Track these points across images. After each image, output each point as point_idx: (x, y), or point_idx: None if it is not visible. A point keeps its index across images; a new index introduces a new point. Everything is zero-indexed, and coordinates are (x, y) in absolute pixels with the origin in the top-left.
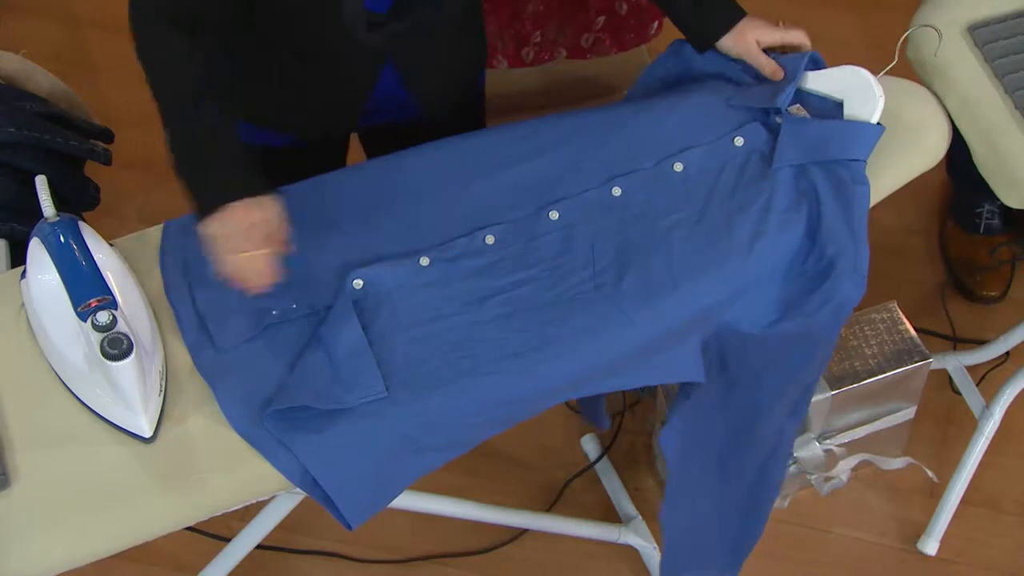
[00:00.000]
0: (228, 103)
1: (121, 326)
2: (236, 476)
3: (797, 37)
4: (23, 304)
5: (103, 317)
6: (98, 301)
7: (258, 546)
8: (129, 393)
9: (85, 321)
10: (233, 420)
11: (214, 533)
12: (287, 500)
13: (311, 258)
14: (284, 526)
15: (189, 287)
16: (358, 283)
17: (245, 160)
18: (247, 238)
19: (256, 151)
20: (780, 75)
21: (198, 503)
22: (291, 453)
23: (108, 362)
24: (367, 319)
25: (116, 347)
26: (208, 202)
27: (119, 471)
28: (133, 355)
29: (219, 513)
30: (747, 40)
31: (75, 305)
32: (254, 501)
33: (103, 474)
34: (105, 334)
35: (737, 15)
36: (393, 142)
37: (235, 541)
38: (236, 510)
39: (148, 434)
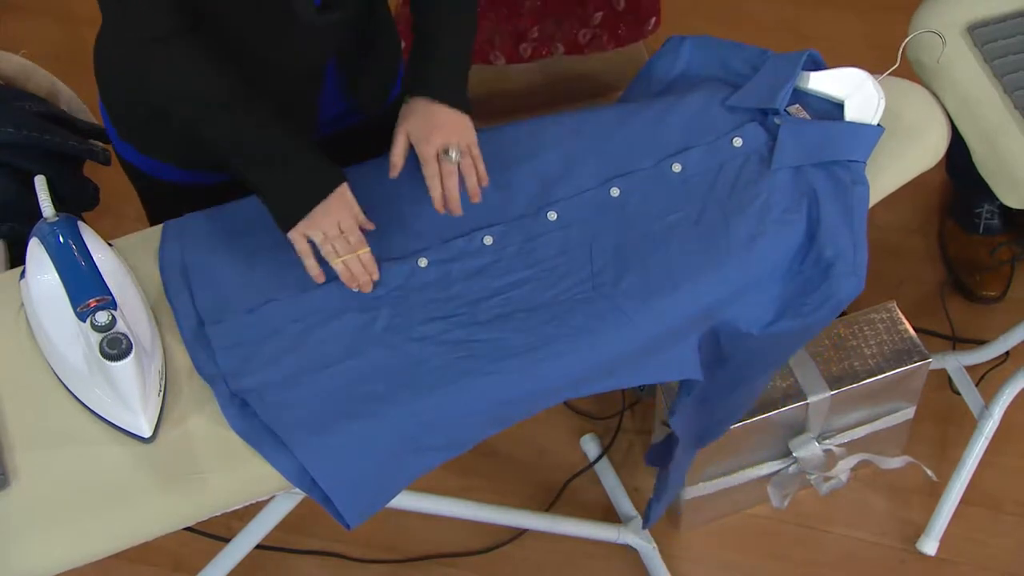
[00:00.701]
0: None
1: (120, 326)
2: (235, 476)
3: (431, 171)
4: (22, 304)
5: (102, 317)
6: (97, 301)
7: (257, 546)
8: (128, 393)
9: (84, 321)
10: (232, 420)
11: (214, 533)
12: (287, 500)
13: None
14: (284, 526)
15: (188, 287)
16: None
17: (310, 154)
18: (343, 239)
19: (193, 192)
20: (393, 173)
21: (198, 503)
22: (290, 453)
23: (107, 362)
24: (366, 320)
25: (115, 347)
26: (290, 211)
27: (119, 471)
28: (132, 355)
29: (219, 513)
30: (403, 123)
31: (74, 305)
32: (254, 501)
33: (103, 474)
34: (104, 334)
35: (415, 90)
36: (339, 154)
37: (235, 541)
38: (236, 510)
39: (147, 434)
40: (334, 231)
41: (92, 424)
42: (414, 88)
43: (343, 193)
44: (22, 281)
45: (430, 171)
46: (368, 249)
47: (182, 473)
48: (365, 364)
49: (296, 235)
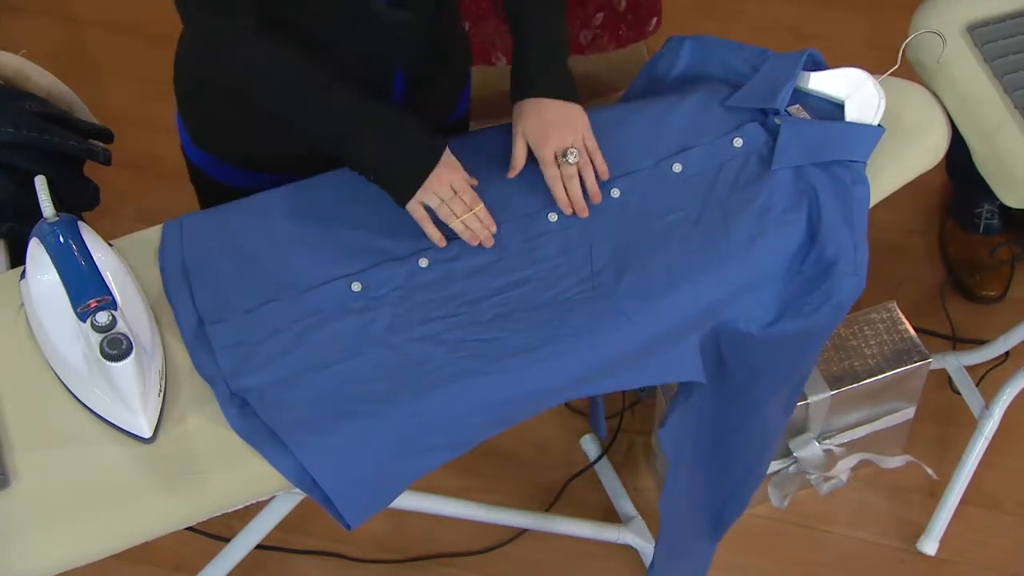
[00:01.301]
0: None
1: (121, 326)
2: (236, 476)
3: (551, 174)
4: (23, 304)
5: (103, 317)
6: (97, 301)
7: (257, 546)
8: (129, 393)
9: (84, 321)
10: (232, 420)
11: (214, 533)
12: (287, 500)
13: (310, 261)
14: (284, 526)
15: (188, 287)
16: (356, 285)
17: (412, 121)
18: (458, 200)
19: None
20: (512, 175)
21: (198, 503)
22: (290, 453)
23: (108, 362)
24: (366, 320)
25: (116, 347)
26: (407, 179)
27: (119, 471)
28: (133, 355)
29: (219, 513)
30: (518, 124)
31: (74, 305)
32: (254, 501)
33: (103, 474)
34: (105, 334)
35: (521, 93)
36: None
37: (235, 541)
38: (236, 510)
39: (148, 434)
40: (448, 193)
41: (92, 424)
42: (520, 91)
43: (448, 156)
44: (22, 281)
45: (550, 174)
46: (482, 204)
47: (182, 473)
48: (365, 364)
49: (414, 204)
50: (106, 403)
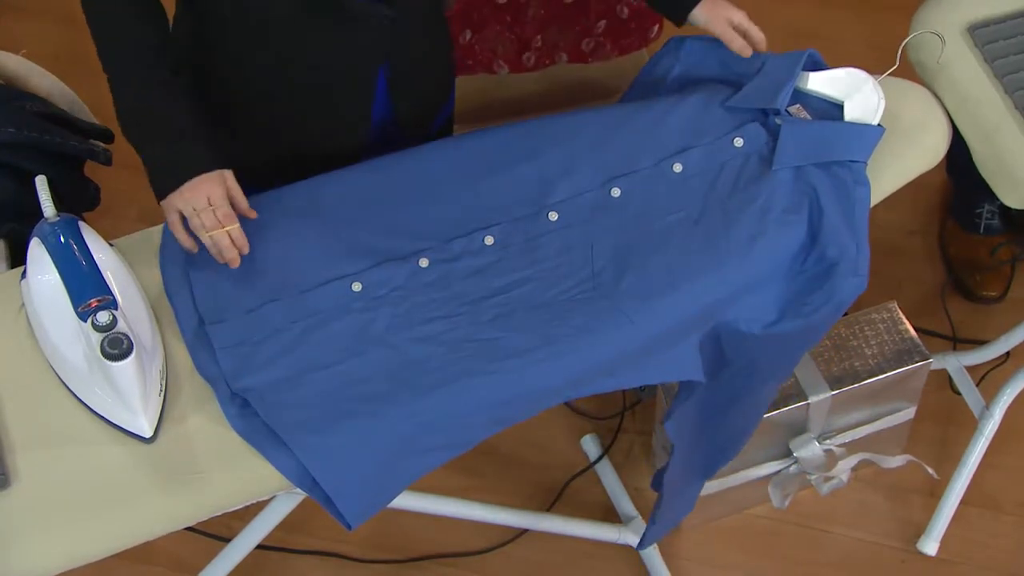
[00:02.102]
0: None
1: (121, 326)
2: (236, 476)
3: (759, 35)
4: (23, 304)
5: (103, 317)
6: (98, 301)
7: (258, 546)
8: (129, 393)
9: (85, 321)
10: (233, 420)
11: (214, 533)
12: (287, 500)
13: (310, 261)
14: (284, 526)
15: (189, 287)
16: (357, 286)
17: (198, 134)
18: (210, 213)
19: None
20: (748, 52)
21: (198, 503)
22: (291, 453)
23: (108, 362)
24: (366, 320)
25: (116, 347)
26: (165, 180)
27: (119, 471)
28: (133, 355)
29: (219, 513)
30: (718, 13)
31: (75, 305)
32: (254, 501)
33: (103, 474)
34: (105, 334)
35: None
36: None
37: (235, 541)
38: (236, 510)
39: (148, 434)
40: (203, 205)
41: (92, 424)
42: (682, 12)
43: (221, 175)
44: (23, 281)
45: (728, 36)
46: (237, 225)
47: (182, 473)
48: (366, 364)
49: (167, 206)
50: (106, 403)
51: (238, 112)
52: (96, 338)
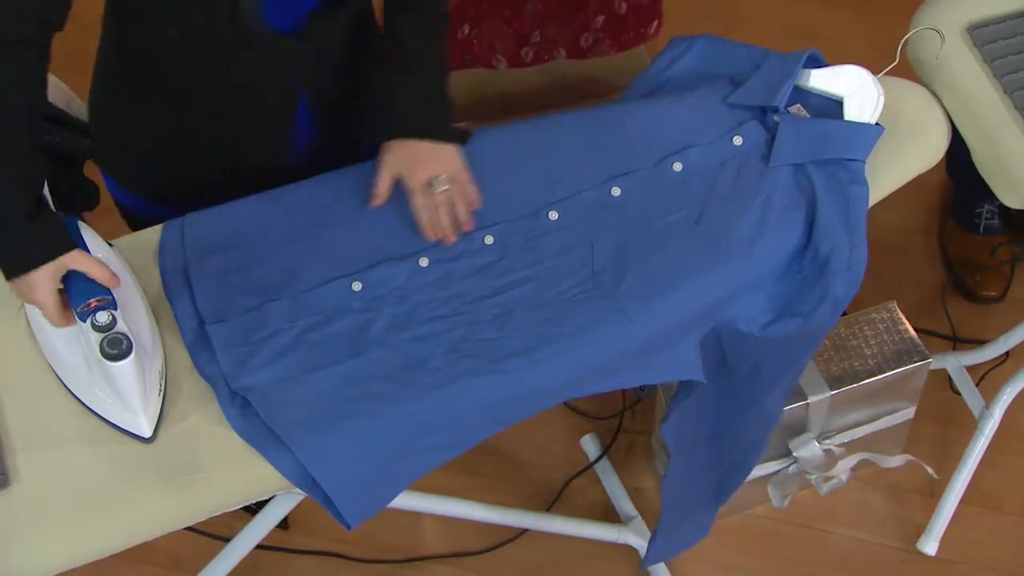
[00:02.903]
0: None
1: (121, 326)
2: (235, 476)
3: (419, 203)
4: (23, 304)
5: (102, 317)
6: (97, 301)
7: (257, 546)
8: (129, 393)
9: (84, 321)
10: (233, 420)
11: (214, 533)
12: (286, 500)
13: (310, 261)
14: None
15: (189, 287)
16: (357, 285)
17: (42, 215)
18: (54, 313)
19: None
20: (377, 203)
21: (198, 503)
22: (290, 453)
23: (108, 362)
24: (366, 320)
25: (116, 347)
26: (9, 270)
27: (119, 471)
28: (133, 355)
29: (219, 513)
30: (388, 158)
31: (74, 305)
32: (254, 501)
33: (103, 474)
34: (105, 334)
35: (385, 134)
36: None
37: (234, 541)
38: (236, 510)
39: (148, 434)
40: (48, 304)
41: (92, 424)
42: (391, 129)
43: (53, 268)
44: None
45: (417, 203)
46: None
47: (182, 473)
48: (366, 364)
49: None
50: (106, 403)
51: (163, 126)
52: (96, 338)
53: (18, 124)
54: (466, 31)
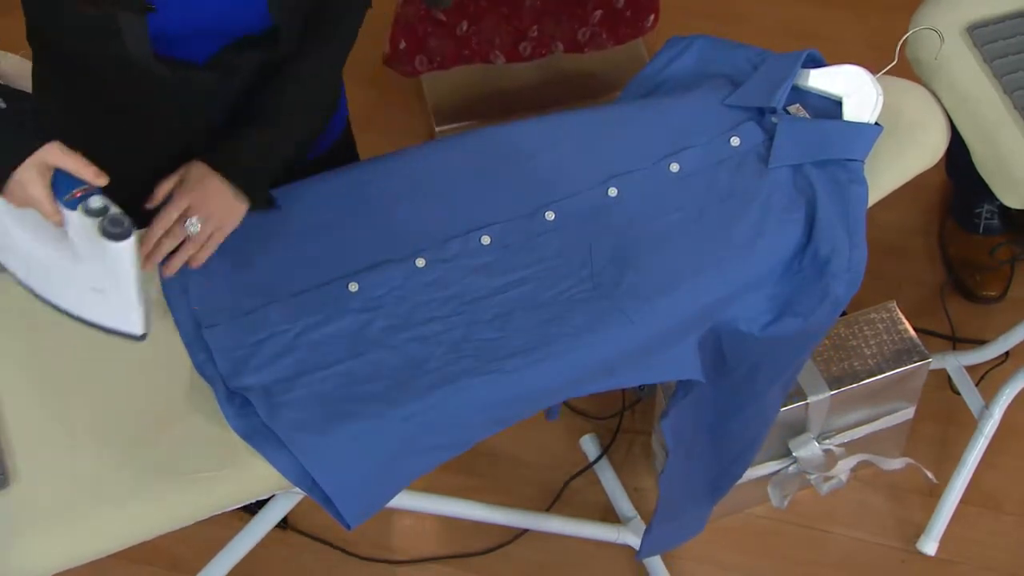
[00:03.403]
0: None
1: (116, 209)
2: (235, 476)
3: (158, 226)
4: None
5: (95, 202)
6: (83, 191)
7: (257, 545)
8: (127, 278)
9: (74, 209)
10: (232, 420)
11: (214, 533)
12: (286, 500)
13: (307, 263)
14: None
15: (186, 290)
16: (354, 287)
17: (9, 120)
18: (50, 207)
19: None
20: (154, 202)
21: (197, 503)
22: (290, 453)
23: (111, 242)
24: (364, 321)
25: (118, 226)
26: None
27: (118, 471)
28: (135, 233)
29: (218, 513)
30: (187, 171)
31: (60, 196)
32: (254, 501)
33: (102, 474)
34: (102, 217)
35: (217, 159)
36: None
37: (234, 541)
38: (235, 510)
39: (140, 331)
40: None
41: (92, 424)
42: (217, 158)
43: (36, 163)
44: None
45: (161, 223)
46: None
47: (182, 473)
48: (364, 364)
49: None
50: (95, 305)
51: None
52: (92, 222)
53: None
54: (464, 27)
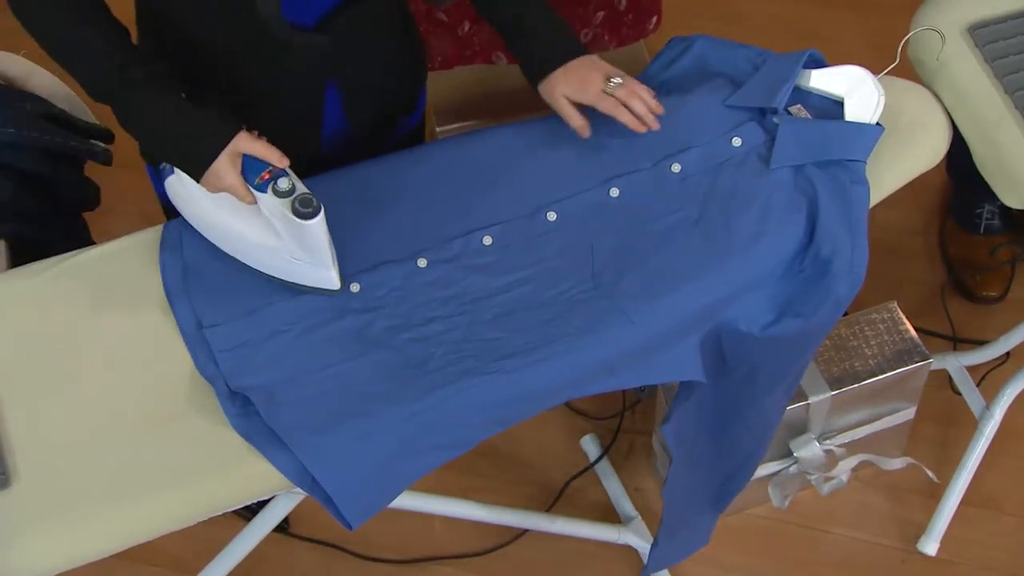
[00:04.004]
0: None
1: (302, 187)
2: (236, 476)
3: (609, 105)
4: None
5: (284, 183)
6: (269, 173)
7: (257, 545)
8: (320, 249)
9: (265, 192)
10: (233, 420)
11: (214, 533)
12: (287, 500)
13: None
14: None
15: (188, 288)
16: (355, 287)
17: (199, 113)
18: (244, 191)
19: None
20: (586, 133)
21: (198, 503)
22: (291, 453)
23: (302, 221)
24: (365, 321)
25: (308, 205)
26: (194, 171)
27: (119, 471)
28: (323, 211)
29: (219, 513)
30: (555, 94)
31: (250, 181)
32: (254, 501)
33: (103, 474)
34: (292, 196)
35: (549, 65)
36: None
37: (235, 541)
38: (236, 510)
39: (337, 286)
40: (238, 185)
41: (93, 424)
42: (541, 71)
43: (230, 153)
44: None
45: (608, 105)
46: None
47: (183, 473)
48: (365, 364)
49: (207, 188)
50: (298, 269)
51: None
52: (283, 203)
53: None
54: (466, 27)
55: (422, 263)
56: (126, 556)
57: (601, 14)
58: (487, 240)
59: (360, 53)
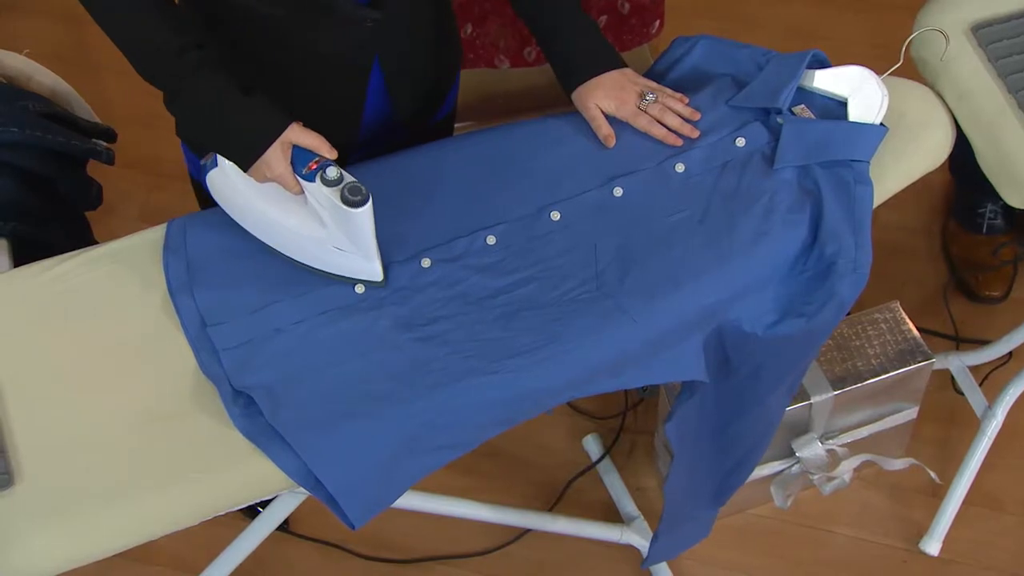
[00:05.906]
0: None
1: (349, 176)
2: (239, 475)
3: (644, 123)
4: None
5: (332, 172)
6: (316, 163)
7: (259, 545)
8: (366, 238)
9: (313, 181)
10: (236, 419)
11: (216, 533)
12: (290, 500)
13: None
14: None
15: (191, 288)
16: (360, 287)
17: (251, 102)
18: (292, 181)
19: None
20: (611, 142)
21: (200, 503)
22: (294, 452)
23: (352, 209)
24: (369, 321)
25: (357, 194)
26: (244, 160)
27: (120, 471)
28: (371, 199)
29: (222, 513)
30: (587, 103)
31: (298, 171)
32: (257, 501)
33: (105, 474)
34: (341, 185)
35: (586, 74)
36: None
37: (237, 541)
38: (237, 510)
39: (380, 277)
40: (287, 175)
41: (96, 423)
42: (574, 78)
43: (281, 146)
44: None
45: (643, 122)
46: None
47: (184, 473)
48: (369, 364)
49: (257, 178)
50: (341, 260)
51: None
52: (332, 191)
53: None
54: (469, 31)
55: (426, 263)
56: (127, 556)
57: (604, 18)
58: (491, 240)
59: (406, 34)
